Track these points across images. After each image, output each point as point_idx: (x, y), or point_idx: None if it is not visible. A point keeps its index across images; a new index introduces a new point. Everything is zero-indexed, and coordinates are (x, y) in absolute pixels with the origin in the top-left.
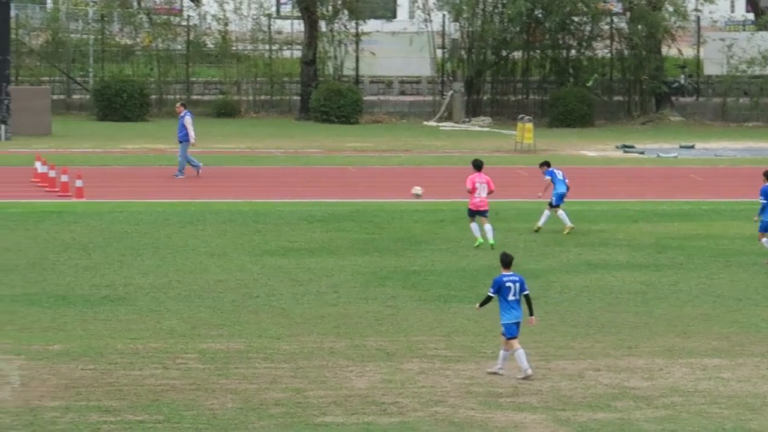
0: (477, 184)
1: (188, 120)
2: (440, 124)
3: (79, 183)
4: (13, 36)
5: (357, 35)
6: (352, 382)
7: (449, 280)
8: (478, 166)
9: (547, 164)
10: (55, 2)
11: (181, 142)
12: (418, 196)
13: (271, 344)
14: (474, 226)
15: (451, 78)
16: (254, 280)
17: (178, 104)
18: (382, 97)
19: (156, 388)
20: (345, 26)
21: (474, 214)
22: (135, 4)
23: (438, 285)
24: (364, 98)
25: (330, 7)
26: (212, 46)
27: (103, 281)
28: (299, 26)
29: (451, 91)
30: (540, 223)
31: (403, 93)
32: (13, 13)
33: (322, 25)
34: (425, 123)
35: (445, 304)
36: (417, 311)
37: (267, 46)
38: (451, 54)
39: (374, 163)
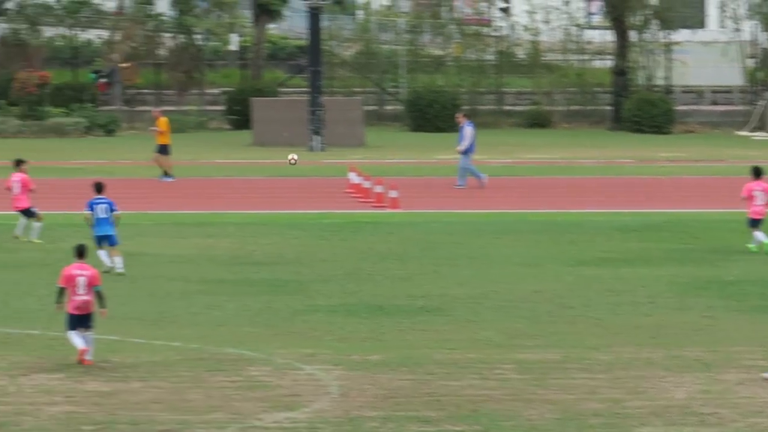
0: (754, 193)
1: (468, 131)
2: (752, 134)
3: (393, 193)
4: (325, 47)
5: (667, 45)
6: (670, 392)
7: (766, 291)
8: (757, 173)
9: None
10: (366, 13)
11: (465, 152)
12: (293, 161)
13: (588, 354)
14: (758, 234)
15: (762, 87)
16: (569, 291)
17: (458, 114)
18: (693, 107)
19: (474, 398)
20: (655, 36)
21: (755, 223)
22: (445, 14)
23: (754, 295)
24: (676, 108)
25: (641, 17)
26: (523, 56)
27: (420, 291)
28: (609, 36)
29: (764, 101)
30: None
31: (714, 103)
32: (324, 24)
33: (633, 35)
34: (737, 133)
35: (762, 315)
36: (734, 321)
37: (577, 56)
38: (762, 63)
39: (687, 173)
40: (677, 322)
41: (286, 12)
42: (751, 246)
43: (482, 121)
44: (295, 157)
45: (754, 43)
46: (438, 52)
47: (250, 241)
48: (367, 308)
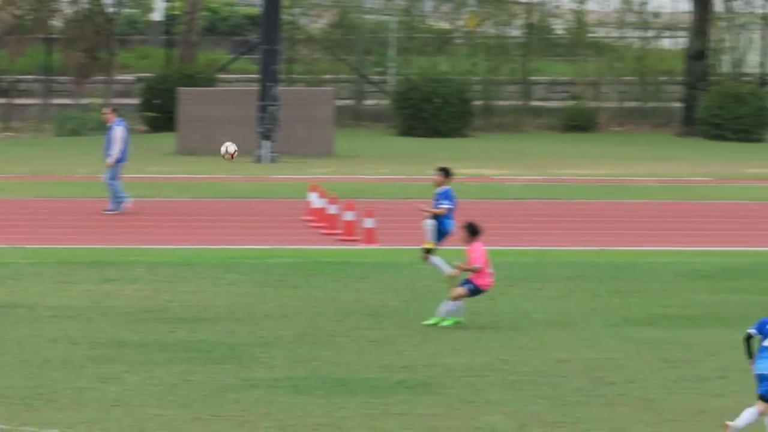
0: None
1: (119, 132)
2: None
3: (369, 223)
4: (285, 17)
5: (766, 17)
6: None
7: None
8: None
9: None
10: None
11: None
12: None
13: None
14: None
15: None
16: (610, 360)
17: (106, 110)
18: None
19: None
20: (750, 4)
21: None
22: None
23: None
24: None
25: None
26: (562, 31)
27: (399, 360)
28: (685, 5)
29: None
30: None
31: None
32: None
33: (717, 4)
34: None
35: None
36: None
37: (639, 33)
38: None
39: None
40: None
41: None
42: None
43: (500, 123)
44: (232, 148)
45: None
46: (443, 25)
47: (166, 287)
48: (323, 383)
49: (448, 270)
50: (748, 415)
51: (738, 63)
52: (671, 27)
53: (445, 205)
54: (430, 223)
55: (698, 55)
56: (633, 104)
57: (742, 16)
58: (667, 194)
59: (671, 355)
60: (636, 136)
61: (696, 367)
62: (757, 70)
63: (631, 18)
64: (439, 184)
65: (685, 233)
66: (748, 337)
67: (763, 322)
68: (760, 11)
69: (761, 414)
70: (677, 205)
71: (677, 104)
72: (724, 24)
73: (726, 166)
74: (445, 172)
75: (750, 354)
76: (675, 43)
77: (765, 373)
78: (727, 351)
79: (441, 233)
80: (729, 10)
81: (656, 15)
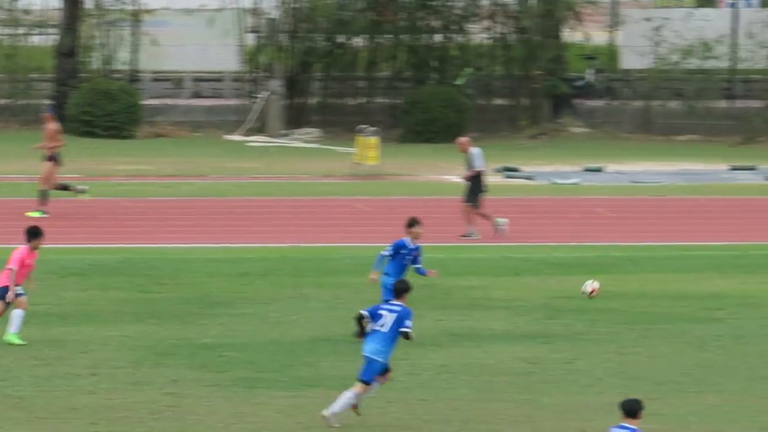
0: None
1: None
2: (249, 138)
3: None
4: None
5: (136, 14)
6: None
7: (254, 357)
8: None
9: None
10: None
11: None
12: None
13: None
14: None
15: (265, 74)
16: None
17: None
18: (168, 101)
19: None
20: (120, 1)
21: None
22: None
23: (239, 364)
24: (144, 102)
25: None
26: None
27: None
28: (55, 2)
29: (266, 93)
30: None
31: (197, 95)
32: None
33: (88, 1)
34: (227, 137)
35: (248, 391)
36: (208, 401)
37: (9, 30)
38: (266, 40)
39: (155, 194)
40: (129, 402)
41: None
42: None
43: None
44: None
45: (257, 11)
46: None
47: None
48: None
49: None
50: (345, 399)
51: (108, 60)
52: (42, 24)
53: None
54: None
55: (68, 51)
56: (4, 101)
57: (112, 13)
58: (32, 193)
59: (42, 353)
60: (6, 133)
61: (67, 364)
62: (127, 67)
63: (1, 15)
64: None
65: (60, 230)
66: (360, 318)
67: (375, 307)
68: (130, 8)
69: (357, 396)
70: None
71: (49, 101)
72: (94, 21)
73: (97, 163)
74: None
75: (361, 334)
76: (46, 40)
77: (368, 355)
78: (98, 348)
79: None
80: (99, 6)
81: (27, 12)
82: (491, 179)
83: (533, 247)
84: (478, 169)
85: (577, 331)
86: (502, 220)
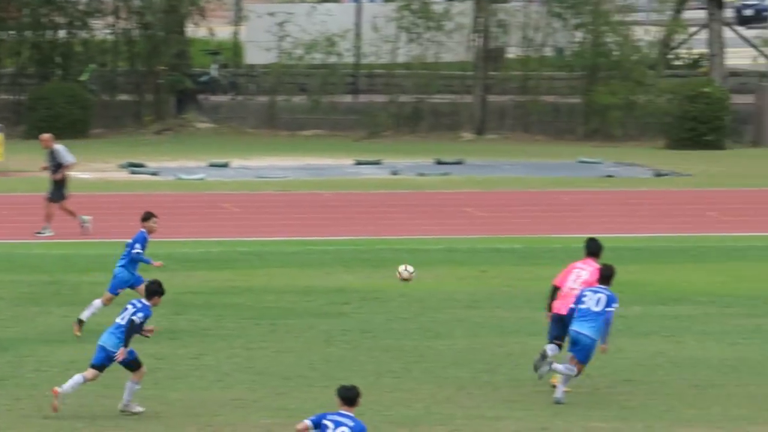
0: None
1: None
2: None
3: None
4: None
5: None
6: None
7: None
8: None
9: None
10: None
11: None
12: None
13: None
14: None
15: None
16: None
17: None
18: None
19: None
20: None
21: None
22: None
23: None
24: None
25: None
26: None
27: None
28: None
29: None
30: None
31: None
32: None
33: None
34: None
35: None
36: None
37: None
38: None
39: None
40: None
41: None
42: None
43: None
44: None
45: None
46: None
47: None
48: None
49: None
50: (73, 382)
51: None
52: None
53: None
54: None
55: None
56: None
57: None
58: None
59: None
60: None
61: None
62: None
63: None
64: None
65: None
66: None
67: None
68: None
69: (86, 381)
70: None
71: None
72: None
73: None
74: None
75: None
76: None
77: (101, 343)
78: None
79: None
80: None
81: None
82: (116, 175)
83: (160, 243)
84: (70, 163)
85: (204, 326)
86: (86, 218)
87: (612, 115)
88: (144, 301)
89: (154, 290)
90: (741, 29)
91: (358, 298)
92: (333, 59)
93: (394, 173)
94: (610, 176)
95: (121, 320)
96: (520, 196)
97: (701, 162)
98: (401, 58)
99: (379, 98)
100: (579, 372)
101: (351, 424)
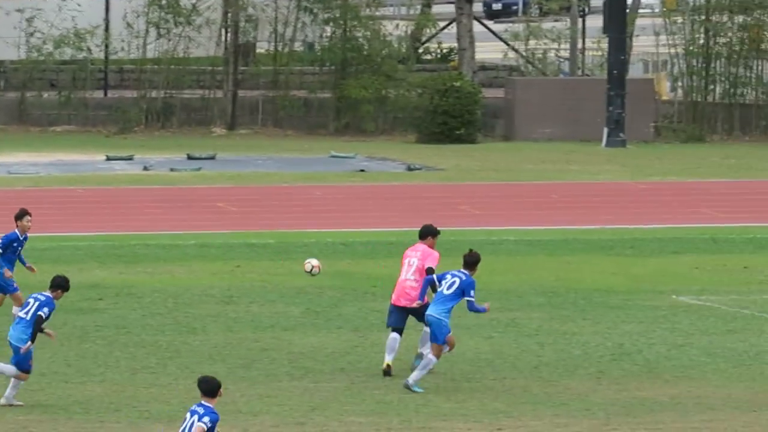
0: None
1: None
2: None
3: None
4: None
5: None
6: None
7: None
8: None
9: None
10: None
11: None
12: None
13: None
14: None
15: None
16: None
17: None
18: None
19: None
20: None
21: None
22: None
23: None
24: None
25: None
26: None
27: None
28: None
29: None
30: None
31: None
32: None
33: None
34: None
35: None
36: None
37: None
38: None
39: None
40: None
41: None
42: None
43: None
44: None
45: None
46: None
47: None
48: None
49: None
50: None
51: None
52: None
53: None
54: None
55: None
56: None
57: None
58: None
59: None
60: None
61: None
62: None
63: None
64: None
65: None
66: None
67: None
68: None
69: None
70: None
71: None
72: None
73: None
74: None
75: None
76: None
77: (11, 341)
78: None
79: None
80: None
81: None
82: None
83: None
84: None
85: None
86: None
87: (363, 109)
88: (47, 293)
89: (59, 284)
90: (490, 23)
91: (112, 294)
92: (83, 55)
93: (146, 168)
94: (362, 171)
95: (25, 314)
96: (273, 191)
97: (453, 156)
98: (151, 54)
99: (130, 93)
100: (438, 353)
101: (201, 411)
